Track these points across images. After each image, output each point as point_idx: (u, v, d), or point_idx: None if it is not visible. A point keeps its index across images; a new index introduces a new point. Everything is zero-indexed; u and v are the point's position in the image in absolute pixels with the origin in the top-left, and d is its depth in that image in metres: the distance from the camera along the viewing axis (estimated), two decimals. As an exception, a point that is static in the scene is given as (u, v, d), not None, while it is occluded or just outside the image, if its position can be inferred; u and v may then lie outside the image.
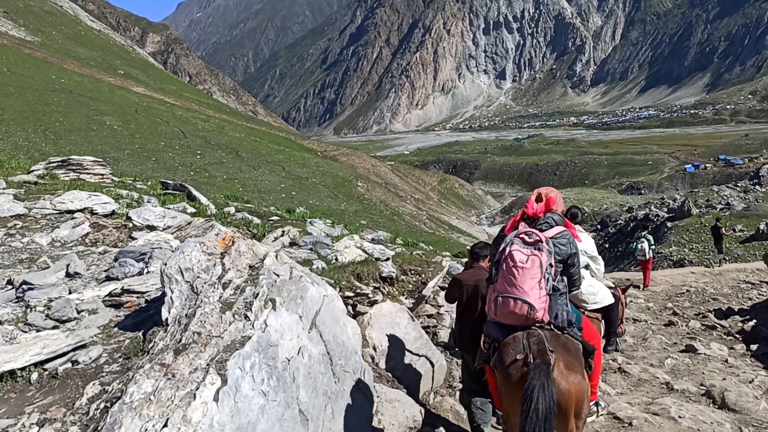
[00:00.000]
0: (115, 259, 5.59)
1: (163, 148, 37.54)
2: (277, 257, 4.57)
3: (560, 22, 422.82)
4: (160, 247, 5.89)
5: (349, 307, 6.24)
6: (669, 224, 45.36)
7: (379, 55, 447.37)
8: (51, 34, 79.69)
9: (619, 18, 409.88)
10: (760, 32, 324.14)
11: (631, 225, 58.66)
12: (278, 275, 4.31)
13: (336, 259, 7.72)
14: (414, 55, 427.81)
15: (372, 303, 6.67)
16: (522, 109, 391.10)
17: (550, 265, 3.95)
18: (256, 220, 9.22)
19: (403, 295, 8.10)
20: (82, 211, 6.51)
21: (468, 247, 7.44)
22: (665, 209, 57.91)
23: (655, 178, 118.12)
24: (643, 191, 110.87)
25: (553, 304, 3.96)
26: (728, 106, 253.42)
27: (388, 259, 8.25)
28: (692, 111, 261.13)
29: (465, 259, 15.36)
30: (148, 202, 8.01)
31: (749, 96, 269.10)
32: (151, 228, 6.40)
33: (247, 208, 11.34)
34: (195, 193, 9.27)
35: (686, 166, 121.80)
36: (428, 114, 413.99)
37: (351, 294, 6.56)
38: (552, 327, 3.92)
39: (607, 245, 57.68)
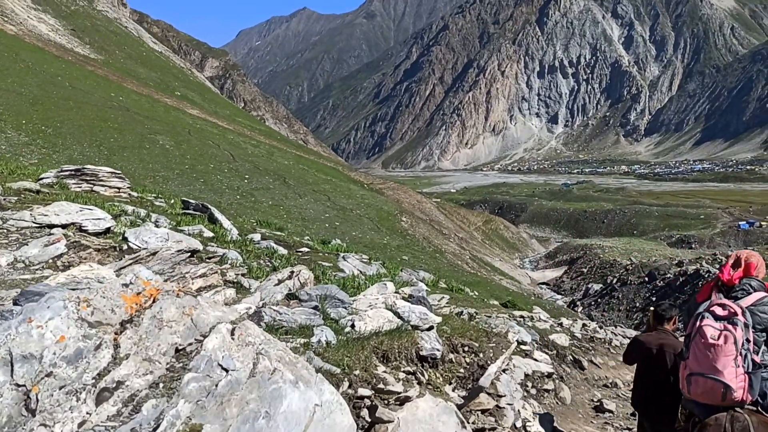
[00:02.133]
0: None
1: (212, 170, 37.80)
2: (233, 333, 2.59)
3: (616, 69, 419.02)
4: (89, 287, 3.07)
5: (364, 412, 4.13)
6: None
7: (431, 92, 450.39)
8: (114, 53, 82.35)
9: (677, 69, 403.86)
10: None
11: (681, 279, 56.80)
12: (227, 369, 2.34)
13: (352, 326, 5.19)
14: (467, 94, 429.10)
15: (402, 401, 4.40)
16: (572, 155, 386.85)
17: (747, 340, 3.62)
18: (282, 251, 8.22)
19: (450, 382, 5.75)
20: (67, 226, 5.37)
21: (652, 308, 6.81)
22: (717, 265, 55.82)
23: (707, 233, 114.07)
24: (693, 245, 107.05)
25: (754, 381, 3.57)
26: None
27: (431, 328, 5.72)
28: (749, 167, 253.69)
29: (518, 312, 14.47)
30: (155, 221, 7.01)
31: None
32: (152, 253, 5.02)
33: (275, 236, 10.55)
34: (217, 215, 8.53)
35: (740, 223, 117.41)
36: (477, 154, 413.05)
37: (368, 392, 4.28)
38: (759, 408, 3.57)
39: (654, 299, 55.79)
